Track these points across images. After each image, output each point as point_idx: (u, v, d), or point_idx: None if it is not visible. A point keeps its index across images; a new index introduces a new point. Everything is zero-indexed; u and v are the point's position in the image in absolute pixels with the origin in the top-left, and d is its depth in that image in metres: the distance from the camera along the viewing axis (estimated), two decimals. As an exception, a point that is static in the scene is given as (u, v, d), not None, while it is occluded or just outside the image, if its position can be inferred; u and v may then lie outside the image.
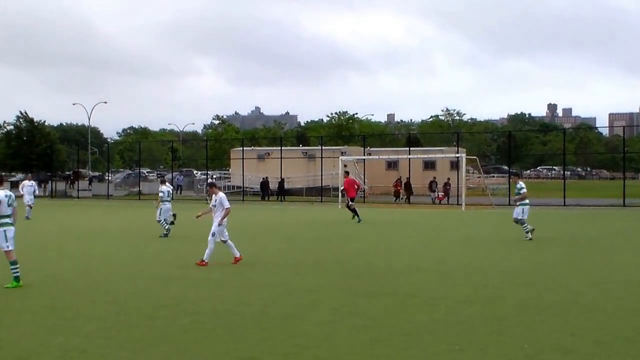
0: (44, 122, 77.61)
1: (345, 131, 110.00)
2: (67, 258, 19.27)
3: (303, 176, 62.01)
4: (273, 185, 59.85)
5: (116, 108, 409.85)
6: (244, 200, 58.00)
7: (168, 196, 25.78)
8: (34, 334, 10.10)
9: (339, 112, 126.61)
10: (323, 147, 61.34)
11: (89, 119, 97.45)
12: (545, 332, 10.13)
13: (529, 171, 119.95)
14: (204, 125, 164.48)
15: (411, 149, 63.74)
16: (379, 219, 35.55)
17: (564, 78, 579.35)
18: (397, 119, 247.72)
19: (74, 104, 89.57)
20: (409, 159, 57.29)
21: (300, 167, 62.42)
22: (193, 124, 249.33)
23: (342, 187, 36.51)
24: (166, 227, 25.02)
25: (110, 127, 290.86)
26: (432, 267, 17.17)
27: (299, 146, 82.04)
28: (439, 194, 53.36)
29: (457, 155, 54.12)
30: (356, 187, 34.64)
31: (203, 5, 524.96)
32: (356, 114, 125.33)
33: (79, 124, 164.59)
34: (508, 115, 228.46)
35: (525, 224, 23.48)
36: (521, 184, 24.30)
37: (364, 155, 60.05)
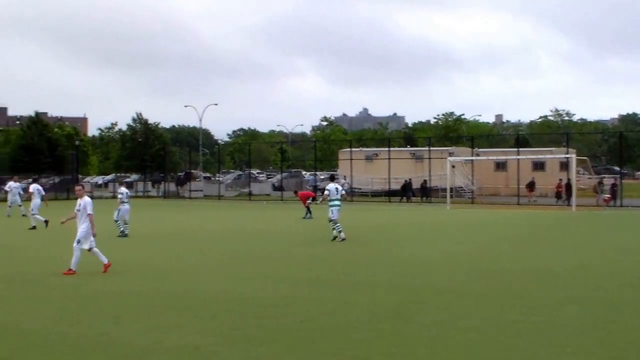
0: (158, 124, 79.40)
1: (452, 132, 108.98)
2: (179, 258, 19.81)
3: (411, 177, 61.69)
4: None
5: (224, 110, 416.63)
6: (352, 200, 58.20)
7: (126, 197, 26.69)
8: (152, 332, 10.48)
9: (446, 113, 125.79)
10: (431, 148, 60.98)
11: (200, 120, 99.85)
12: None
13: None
14: (312, 127, 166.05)
15: (520, 149, 62.56)
16: (490, 220, 35.12)
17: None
18: (504, 119, 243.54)
19: (185, 106, 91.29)
20: (518, 159, 56.33)
21: (408, 168, 62.13)
22: (302, 125, 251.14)
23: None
24: (121, 229, 25.82)
25: (220, 129, 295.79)
26: (542, 268, 16.87)
27: (406, 147, 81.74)
28: (605, 196, 50.93)
29: (567, 155, 52.89)
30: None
31: (300, 8, 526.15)
32: (463, 114, 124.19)
33: (191, 126, 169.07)
34: (619, 115, 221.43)
35: (337, 225, 23.66)
36: (337, 186, 24.70)
37: (472, 156, 59.40)
